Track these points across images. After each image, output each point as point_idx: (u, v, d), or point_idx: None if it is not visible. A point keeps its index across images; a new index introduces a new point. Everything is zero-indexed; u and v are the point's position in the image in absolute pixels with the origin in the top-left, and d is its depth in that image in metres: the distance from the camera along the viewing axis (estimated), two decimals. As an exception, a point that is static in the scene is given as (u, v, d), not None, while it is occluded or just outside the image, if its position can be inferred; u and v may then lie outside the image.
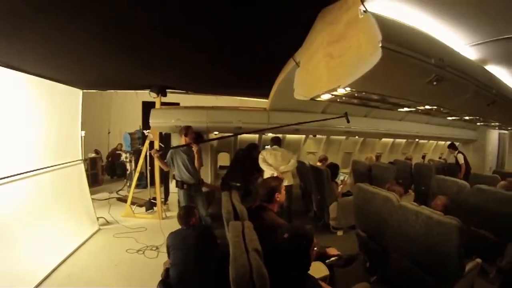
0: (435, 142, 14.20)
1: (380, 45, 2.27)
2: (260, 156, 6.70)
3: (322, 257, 3.72)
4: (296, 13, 3.58)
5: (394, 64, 2.58)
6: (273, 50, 4.73)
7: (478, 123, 8.69)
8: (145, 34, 4.10)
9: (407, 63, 2.61)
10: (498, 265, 5.26)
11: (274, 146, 6.91)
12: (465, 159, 10.11)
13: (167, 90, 7.84)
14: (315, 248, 2.78)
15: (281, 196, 3.91)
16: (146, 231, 6.87)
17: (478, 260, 4.32)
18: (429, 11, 2.84)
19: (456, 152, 10.41)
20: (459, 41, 3.51)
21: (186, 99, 9.57)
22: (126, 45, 4.50)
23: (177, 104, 9.15)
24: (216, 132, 7.84)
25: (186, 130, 6.12)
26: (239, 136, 8.25)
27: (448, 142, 11.84)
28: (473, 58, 4.06)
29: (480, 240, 5.36)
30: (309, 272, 2.69)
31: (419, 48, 2.73)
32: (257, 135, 8.55)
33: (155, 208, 8.03)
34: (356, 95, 3.51)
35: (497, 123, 9.15)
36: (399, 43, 2.45)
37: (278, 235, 2.66)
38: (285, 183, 5.58)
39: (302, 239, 2.64)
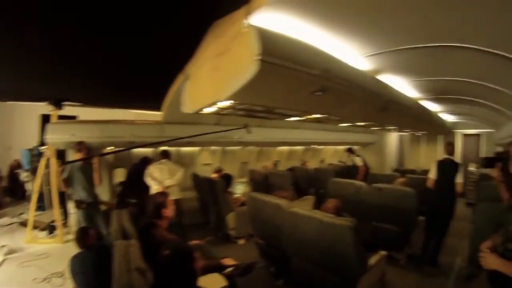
0: (334, 147, 14.80)
1: (258, 58, 2.29)
2: (147, 171, 6.57)
3: (220, 268, 3.73)
4: (188, 26, 3.57)
5: (275, 76, 2.62)
6: (165, 62, 4.67)
7: (374, 128, 9.29)
8: (36, 43, 3.92)
9: (289, 75, 2.66)
10: (406, 253, 5.83)
11: (162, 160, 6.81)
12: (363, 160, 10.63)
13: (63, 103, 7.37)
14: (201, 262, 2.79)
15: (168, 211, 3.88)
16: (50, 257, 6.37)
17: (382, 252, 4.56)
18: (324, 26, 2.91)
19: (354, 155, 10.91)
20: (354, 52, 3.66)
21: (87, 111, 9.12)
22: (18, 54, 4.29)
23: (74, 117, 8.70)
24: (112, 147, 7.51)
25: (79, 146, 5.92)
26: (134, 150, 7.94)
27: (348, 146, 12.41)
28: (368, 68, 4.27)
29: (384, 232, 5.76)
30: (203, 285, 2.73)
31: (303, 60, 2.80)
32: (151, 149, 8.30)
33: (56, 232, 7.56)
34: (239, 107, 3.56)
35: (393, 127, 9.82)
36: (280, 56, 2.49)
37: (161, 252, 2.65)
38: (172, 197, 5.53)
39: (183, 255, 2.65)
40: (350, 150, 11.02)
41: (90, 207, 5.89)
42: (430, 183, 6.13)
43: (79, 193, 5.82)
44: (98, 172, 5.86)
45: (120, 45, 4.09)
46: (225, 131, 6.86)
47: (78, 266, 3.75)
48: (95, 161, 5.79)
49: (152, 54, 4.41)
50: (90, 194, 5.89)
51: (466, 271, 5.17)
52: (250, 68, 2.37)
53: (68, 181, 5.81)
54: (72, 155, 6.53)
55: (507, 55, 3.25)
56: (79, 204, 5.84)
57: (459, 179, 5.77)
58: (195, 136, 6.43)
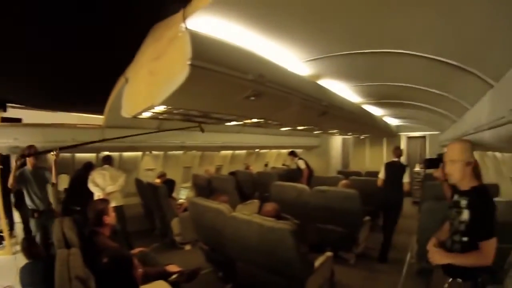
0: (278, 150, 15.02)
1: (189, 62, 2.27)
2: (90, 177, 6.46)
3: (164, 275, 3.70)
4: (130, 28, 3.53)
5: (207, 81, 2.60)
6: (108, 64, 4.53)
7: (316, 132, 9.52)
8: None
9: (222, 79, 2.64)
10: (354, 253, 6.09)
11: (104, 166, 6.74)
12: (306, 163, 10.74)
13: (8, 104, 7.06)
14: (141, 269, 2.78)
15: (110, 219, 3.83)
16: (0, 270, 6.10)
17: (328, 253, 4.64)
18: (263, 31, 2.89)
19: (297, 158, 11.01)
20: (293, 57, 3.67)
21: (31, 114, 8.70)
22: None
23: (19, 120, 8.33)
24: (54, 152, 7.23)
25: (29, 150, 5.62)
26: (76, 156, 7.82)
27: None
28: (307, 73, 4.29)
29: (331, 234, 5.91)
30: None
31: (237, 65, 2.78)
32: (94, 155, 8.20)
33: (4, 243, 7.22)
34: (176, 111, 3.52)
35: (335, 131, 10.08)
36: (212, 61, 2.47)
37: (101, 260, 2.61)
38: (113, 204, 5.46)
39: (121, 263, 2.63)
40: (293, 153, 11.16)
41: (42, 215, 5.66)
42: (379, 183, 6.87)
43: (34, 199, 5.62)
44: (56, 167, 5.62)
45: (63, 45, 3.99)
46: (181, 129, 6.79)
47: (27, 278, 3.67)
48: (53, 155, 5.53)
49: (95, 55, 4.33)
50: (43, 202, 5.69)
51: (416, 267, 5.46)
52: (182, 72, 2.34)
53: (18, 181, 5.52)
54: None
55: (448, 61, 3.31)
56: (31, 213, 5.63)
57: (406, 179, 6.54)
58: (143, 134, 6.42)
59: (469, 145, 2.80)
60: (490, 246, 2.49)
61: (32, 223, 5.72)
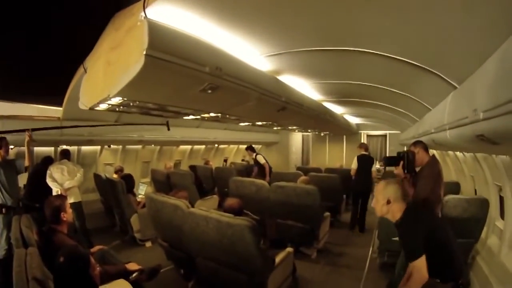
0: (237, 146, 15.14)
1: (144, 52, 2.21)
2: (48, 172, 6.21)
3: (124, 273, 3.62)
4: (90, 16, 3.44)
5: (163, 72, 2.57)
6: (68, 53, 4.43)
7: (276, 127, 9.61)
8: None
9: (178, 71, 2.60)
10: (316, 247, 6.17)
11: (62, 160, 6.48)
12: (264, 159, 10.71)
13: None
14: (98, 268, 2.71)
15: (67, 215, 3.73)
16: None
17: (289, 249, 4.67)
18: (224, 24, 2.86)
19: (255, 154, 10.89)
20: (254, 52, 3.64)
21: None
22: None
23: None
24: (12, 146, 6.92)
25: (0, 142, 5.44)
26: (35, 150, 7.36)
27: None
28: (267, 68, 4.28)
29: (292, 229, 5.95)
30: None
31: (195, 57, 2.72)
32: (53, 149, 7.94)
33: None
34: (132, 104, 3.44)
35: (294, 127, 10.26)
36: (168, 51, 2.42)
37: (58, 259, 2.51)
38: (72, 200, 5.44)
39: (77, 261, 2.55)
40: (250, 149, 10.98)
41: (10, 211, 5.39)
42: (353, 172, 8.55)
43: (1, 194, 5.39)
44: (29, 150, 5.54)
45: (22, 34, 3.85)
46: (146, 124, 6.67)
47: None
48: (28, 135, 5.46)
49: (54, 43, 4.20)
50: (12, 197, 5.45)
51: (378, 262, 5.66)
52: (138, 62, 2.29)
53: None
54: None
55: (412, 62, 3.31)
56: None
57: (373, 168, 8.53)
58: (100, 126, 6.38)
59: (393, 185, 3.01)
60: (416, 267, 2.66)
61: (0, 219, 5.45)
